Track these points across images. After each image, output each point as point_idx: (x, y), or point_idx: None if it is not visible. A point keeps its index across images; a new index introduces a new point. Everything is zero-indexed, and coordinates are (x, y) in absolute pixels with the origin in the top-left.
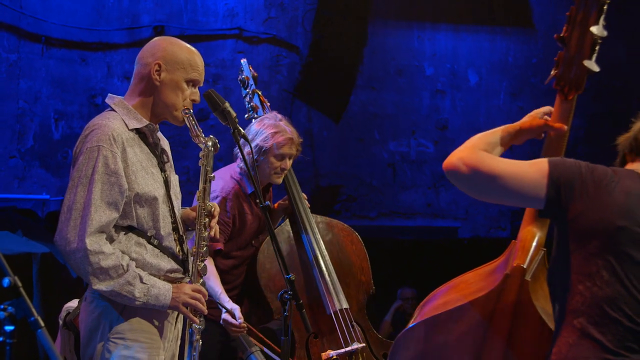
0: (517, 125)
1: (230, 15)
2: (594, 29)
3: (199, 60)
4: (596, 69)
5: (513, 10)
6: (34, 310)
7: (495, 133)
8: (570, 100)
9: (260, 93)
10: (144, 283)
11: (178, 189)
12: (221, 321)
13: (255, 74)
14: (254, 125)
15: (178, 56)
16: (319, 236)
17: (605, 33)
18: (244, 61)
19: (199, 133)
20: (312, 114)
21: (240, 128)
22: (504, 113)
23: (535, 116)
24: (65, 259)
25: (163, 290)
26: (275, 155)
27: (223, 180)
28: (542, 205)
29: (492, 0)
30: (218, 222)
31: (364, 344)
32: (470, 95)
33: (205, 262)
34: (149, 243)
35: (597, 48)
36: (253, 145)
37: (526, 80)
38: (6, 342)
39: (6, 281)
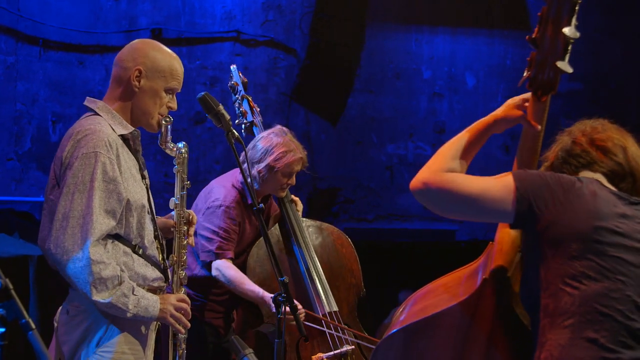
0: (491, 117)
1: (227, 18)
2: (566, 30)
3: (179, 67)
4: (569, 70)
5: (511, 14)
6: (25, 312)
7: (462, 138)
8: (544, 101)
9: (250, 98)
10: (135, 294)
11: (151, 197)
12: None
13: (245, 80)
14: (261, 142)
15: (159, 64)
16: (308, 239)
17: (577, 34)
18: (233, 67)
19: (168, 139)
20: (309, 117)
21: (234, 130)
22: None
23: (512, 105)
24: (59, 267)
25: (151, 301)
26: (283, 174)
27: (225, 188)
28: (511, 220)
29: (490, 4)
30: (226, 231)
31: (354, 347)
32: (468, 98)
33: (185, 272)
34: (134, 252)
35: (569, 48)
36: (263, 165)
37: (523, 84)
38: None
39: None
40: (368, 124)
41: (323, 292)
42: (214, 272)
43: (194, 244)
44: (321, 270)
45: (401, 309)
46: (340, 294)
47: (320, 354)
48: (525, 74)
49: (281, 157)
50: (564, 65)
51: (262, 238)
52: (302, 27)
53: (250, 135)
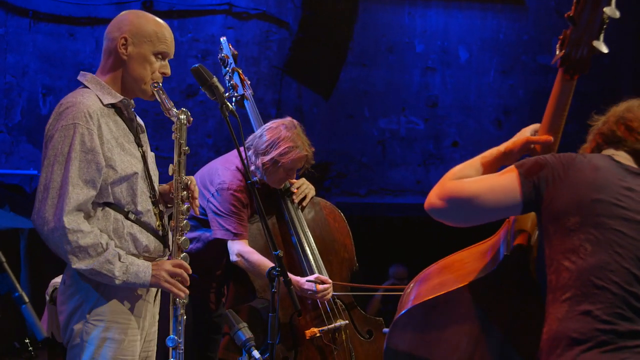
0: (502, 148)
1: None
2: (607, 9)
3: (167, 32)
4: (605, 50)
5: None
6: (18, 285)
7: (473, 164)
8: (573, 80)
9: (240, 71)
10: (122, 261)
11: (154, 165)
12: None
13: (235, 52)
14: (268, 133)
15: (144, 29)
16: (301, 214)
17: (617, 14)
18: (223, 39)
19: (170, 106)
20: (302, 91)
21: (228, 103)
22: (494, 90)
23: (520, 135)
24: (43, 238)
25: (142, 267)
26: (285, 169)
27: (229, 171)
28: (519, 210)
29: None
30: (237, 213)
31: (347, 321)
32: (461, 73)
33: (185, 236)
34: (127, 219)
35: (604, 28)
36: (268, 158)
37: (517, 58)
38: None
39: None
40: (360, 97)
41: (316, 266)
42: (234, 258)
43: (197, 212)
44: (314, 245)
45: (411, 285)
46: (333, 268)
47: (314, 329)
48: (557, 52)
49: (287, 152)
50: (600, 45)
51: (254, 215)
52: (295, 0)
53: (241, 108)
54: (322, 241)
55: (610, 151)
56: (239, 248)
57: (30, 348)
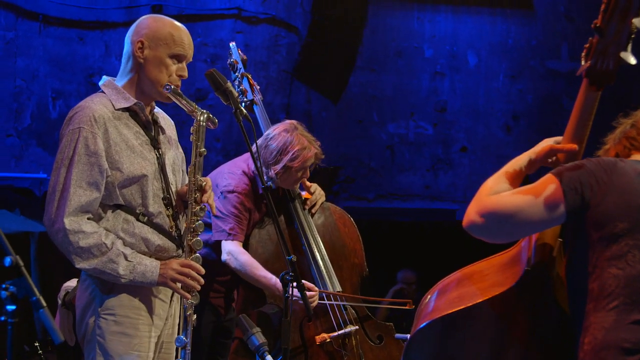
0: (525, 156)
1: None
2: (636, 20)
3: (184, 35)
4: (633, 61)
5: None
6: (35, 289)
7: (503, 177)
8: (598, 92)
9: (249, 76)
10: (129, 261)
11: (178, 166)
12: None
13: (245, 57)
14: (273, 142)
15: (160, 32)
16: (310, 219)
17: None
18: (232, 44)
19: (193, 108)
20: (311, 95)
21: (242, 108)
22: (503, 95)
23: (544, 143)
24: (51, 239)
25: (150, 267)
26: (298, 170)
27: (236, 175)
28: (563, 220)
29: None
30: (237, 215)
31: (357, 327)
32: (470, 77)
33: (199, 238)
34: (138, 220)
35: (632, 38)
36: (280, 166)
37: (525, 63)
38: (8, 321)
39: (8, 260)
40: (369, 102)
41: (326, 272)
42: (225, 257)
43: (214, 212)
44: (324, 250)
45: (429, 297)
46: (344, 273)
47: (324, 335)
48: (583, 62)
49: (297, 155)
50: (627, 56)
51: (263, 219)
52: (304, 4)
53: (250, 113)
54: (332, 246)
55: (638, 156)
56: (230, 247)
57: (40, 352)
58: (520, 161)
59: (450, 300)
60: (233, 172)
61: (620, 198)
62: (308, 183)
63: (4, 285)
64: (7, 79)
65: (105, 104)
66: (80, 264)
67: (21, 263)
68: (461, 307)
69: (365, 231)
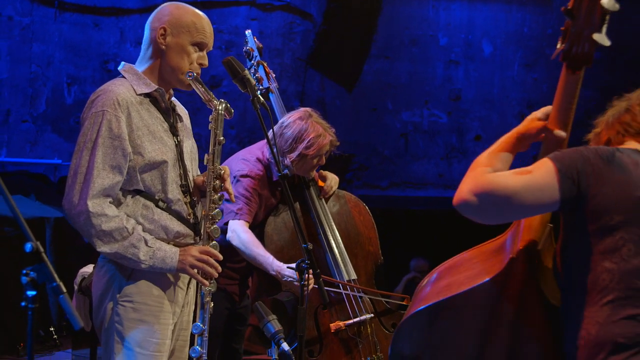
0: (514, 132)
1: None
2: (604, 2)
3: (205, 24)
4: (607, 43)
5: None
6: (55, 275)
7: (496, 151)
8: (578, 74)
9: (265, 64)
10: (149, 246)
11: (194, 155)
12: (295, 283)
13: (260, 45)
14: (288, 130)
15: (183, 19)
16: (326, 207)
17: (617, 6)
18: (248, 32)
19: (210, 97)
20: (325, 83)
21: (259, 96)
22: (517, 84)
23: (534, 118)
24: (71, 222)
25: (169, 253)
26: (313, 157)
27: (250, 162)
28: (557, 207)
29: None
30: (247, 198)
31: (372, 315)
32: (484, 66)
33: (216, 225)
34: (157, 206)
35: (607, 19)
36: (295, 154)
37: (541, 52)
38: (28, 307)
39: (29, 246)
40: (383, 90)
41: (341, 260)
42: (229, 234)
43: (233, 199)
44: (339, 238)
45: (424, 283)
46: (358, 261)
47: (338, 322)
48: (558, 45)
49: (313, 143)
50: (601, 38)
51: (277, 207)
52: None
53: (266, 101)
54: (347, 234)
55: (631, 143)
56: (235, 226)
57: (55, 336)
58: (511, 138)
59: (438, 289)
60: (247, 158)
61: (618, 190)
62: (321, 172)
63: (24, 271)
64: (22, 64)
65: (127, 89)
66: (102, 248)
67: (41, 249)
68: (447, 296)
69: (378, 219)
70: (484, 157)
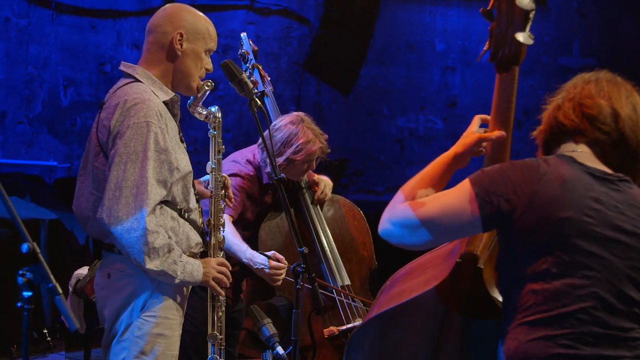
0: (451, 152)
1: None
2: (519, 1)
3: (213, 29)
4: (530, 42)
5: None
6: (51, 276)
7: (424, 178)
8: (511, 73)
9: (260, 67)
10: (182, 261)
11: None
12: (267, 270)
13: (256, 48)
14: (278, 133)
15: (198, 26)
16: (320, 212)
17: (533, 5)
18: (243, 35)
19: (200, 104)
20: (321, 87)
21: (257, 99)
22: None
23: (469, 133)
24: (111, 237)
25: (195, 266)
26: (303, 162)
27: (240, 163)
28: (481, 230)
29: None
30: (234, 194)
31: None
32: (481, 72)
33: (221, 234)
34: (181, 216)
35: (530, 17)
36: (283, 158)
37: (537, 59)
38: (24, 307)
39: (25, 247)
40: (379, 95)
41: (335, 265)
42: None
43: (231, 206)
44: (333, 243)
45: (381, 291)
46: (352, 267)
47: (332, 328)
48: (485, 47)
49: (301, 149)
50: (524, 37)
51: (271, 212)
52: None
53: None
54: (341, 239)
55: (570, 146)
56: None
57: (49, 338)
58: (445, 158)
59: (390, 296)
60: (237, 160)
61: (541, 211)
62: (316, 176)
63: (20, 272)
64: (19, 66)
65: (155, 97)
66: (149, 265)
67: (38, 250)
68: (397, 304)
69: (373, 224)
70: (409, 183)
